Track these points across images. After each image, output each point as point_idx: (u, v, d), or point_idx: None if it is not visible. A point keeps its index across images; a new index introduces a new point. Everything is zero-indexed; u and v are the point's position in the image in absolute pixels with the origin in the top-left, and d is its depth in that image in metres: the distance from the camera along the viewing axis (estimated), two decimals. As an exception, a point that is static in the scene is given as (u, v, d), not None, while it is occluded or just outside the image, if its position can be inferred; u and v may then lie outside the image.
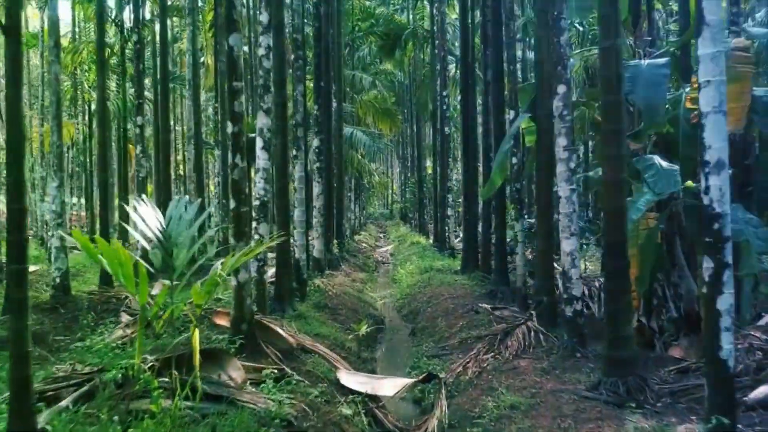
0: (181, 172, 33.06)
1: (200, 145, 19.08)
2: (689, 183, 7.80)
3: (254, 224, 7.57)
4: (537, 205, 9.25)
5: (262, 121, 7.71)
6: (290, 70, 11.35)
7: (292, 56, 10.58)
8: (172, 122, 37.71)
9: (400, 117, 27.53)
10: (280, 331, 6.89)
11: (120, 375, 4.11)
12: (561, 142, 7.62)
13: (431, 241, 25.57)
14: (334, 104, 20.04)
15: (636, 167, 7.72)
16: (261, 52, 7.81)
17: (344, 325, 9.97)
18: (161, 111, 15.95)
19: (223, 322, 7.07)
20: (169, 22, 32.61)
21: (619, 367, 5.97)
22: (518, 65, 14.32)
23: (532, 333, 8.48)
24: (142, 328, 4.27)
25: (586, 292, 12.10)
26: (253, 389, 5.64)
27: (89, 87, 28.78)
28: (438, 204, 23.61)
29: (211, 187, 31.88)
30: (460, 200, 23.49)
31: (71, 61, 23.83)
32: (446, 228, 21.21)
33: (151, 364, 4.40)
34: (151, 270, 4.60)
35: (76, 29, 28.64)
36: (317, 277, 13.18)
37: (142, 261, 4.27)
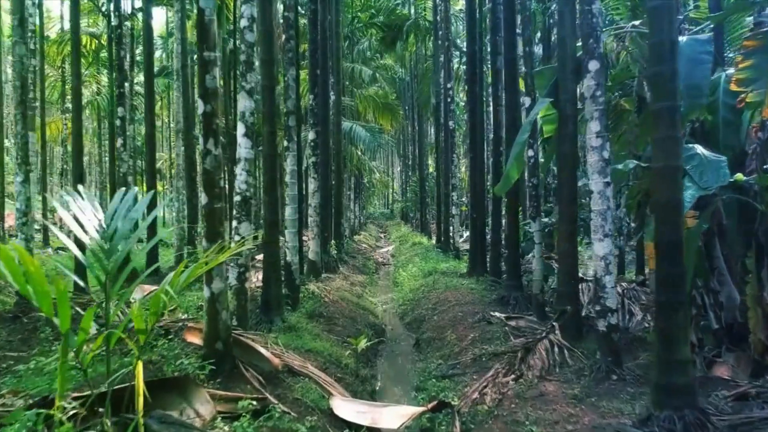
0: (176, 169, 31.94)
1: (191, 140, 17.99)
2: (739, 176, 6.76)
3: (234, 223, 6.47)
4: (558, 202, 8.17)
5: (245, 103, 6.63)
6: (281, 54, 10.28)
7: (284, 36, 9.50)
8: (167, 118, 36.65)
9: (401, 112, 26.43)
10: (262, 350, 5.80)
11: (25, 430, 3.02)
12: (593, 127, 6.53)
13: (434, 241, 24.50)
14: (332, 97, 18.97)
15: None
16: (243, 23, 6.72)
17: (341, 337, 8.88)
18: (147, 104, 14.84)
19: (196, 339, 5.98)
20: (165, 15, 31.56)
21: (674, 397, 4.88)
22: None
23: (556, 348, 7.40)
24: (63, 361, 3.19)
25: (608, 298, 11.07)
26: (226, 427, 4.56)
27: (79, 81, 27.71)
28: (441, 202, 22.52)
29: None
30: (463, 199, 22.40)
31: (57, 52, 22.77)
32: (450, 228, 20.13)
33: (73, 410, 3.31)
34: (82, 284, 3.53)
35: (65, 24, 27.59)
36: (313, 281, 12.10)
37: (71, 274, 3.20)
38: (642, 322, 9.24)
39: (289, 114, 9.44)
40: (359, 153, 22.67)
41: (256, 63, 6.74)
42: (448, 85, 19.40)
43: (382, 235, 40.36)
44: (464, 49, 27.17)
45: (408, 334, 11.51)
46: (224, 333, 5.62)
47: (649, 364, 6.48)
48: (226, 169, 18.40)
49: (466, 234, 24.87)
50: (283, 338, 7.40)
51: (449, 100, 19.41)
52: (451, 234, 19.87)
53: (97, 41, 23.16)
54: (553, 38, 17.82)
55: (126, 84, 13.19)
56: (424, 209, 29.77)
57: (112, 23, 13.06)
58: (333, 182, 16.93)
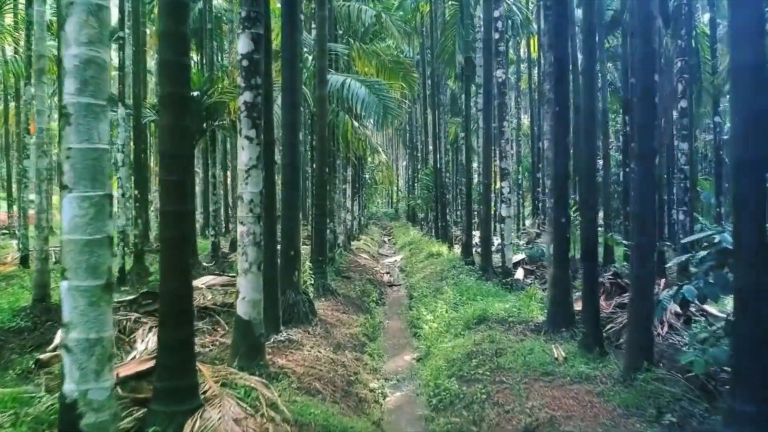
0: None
1: (139, 108, 11.14)
2: None
3: None
4: None
5: None
6: None
7: None
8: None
9: (416, 75, 19.43)
10: None
11: None
12: None
13: (457, 251, 17.54)
14: (313, 34, 12.09)
15: None
16: None
17: None
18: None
19: None
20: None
21: None
22: None
23: None
24: None
25: None
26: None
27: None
28: (477, 198, 15.62)
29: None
30: (503, 193, 15.14)
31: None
32: (495, 236, 13.20)
33: None
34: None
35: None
36: (240, 373, 5.16)
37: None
38: None
39: None
40: (356, 123, 15.62)
41: None
42: (495, 14, 12.38)
43: (386, 240, 33.36)
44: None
45: None
46: None
47: None
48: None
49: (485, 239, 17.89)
50: None
51: (498, 36, 12.40)
52: (497, 248, 12.88)
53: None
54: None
55: None
56: (442, 208, 22.61)
57: None
58: (307, 153, 9.96)
